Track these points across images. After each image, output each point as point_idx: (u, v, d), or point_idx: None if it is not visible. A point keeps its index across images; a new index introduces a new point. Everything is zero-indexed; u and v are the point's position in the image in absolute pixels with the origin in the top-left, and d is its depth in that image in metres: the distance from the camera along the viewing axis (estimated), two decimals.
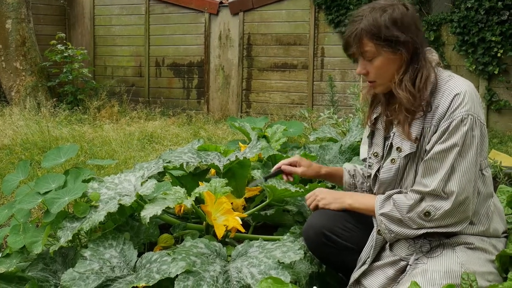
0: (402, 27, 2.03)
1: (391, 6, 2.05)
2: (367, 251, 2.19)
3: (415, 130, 2.06)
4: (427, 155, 2.03)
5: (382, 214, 2.11)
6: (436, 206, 2.01)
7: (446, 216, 2.01)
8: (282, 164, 2.62)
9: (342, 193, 2.37)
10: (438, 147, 2.00)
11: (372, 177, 2.28)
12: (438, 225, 2.03)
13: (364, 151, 2.43)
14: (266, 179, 2.72)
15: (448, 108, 1.99)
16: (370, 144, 2.30)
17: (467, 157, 1.98)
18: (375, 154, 2.25)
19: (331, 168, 2.64)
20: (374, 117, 2.29)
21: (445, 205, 1.99)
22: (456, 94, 1.99)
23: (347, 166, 2.58)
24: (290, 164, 2.60)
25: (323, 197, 2.35)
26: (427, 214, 2.02)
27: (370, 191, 2.40)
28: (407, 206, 2.05)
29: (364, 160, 2.44)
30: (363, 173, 2.52)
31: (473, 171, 2.00)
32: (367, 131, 2.37)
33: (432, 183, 2.01)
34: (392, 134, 2.15)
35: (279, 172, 2.63)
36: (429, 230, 2.05)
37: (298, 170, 2.58)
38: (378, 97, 2.26)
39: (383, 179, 2.19)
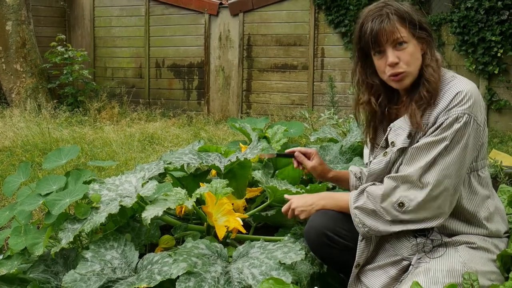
0: (422, 15, 2.09)
1: (400, 1, 2.10)
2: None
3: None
4: (415, 143, 2.04)
5: (356, 208, 2.13)
6: (410, 197, 2.02)
7: (419, 209, 2.02)
8: (298, 150, 2.64)
9: (315, 196, 2.36)
10: (427, 139, 2.02)
11: None
12: (412, 218, 2.04)
13: (367, 153, 2.43)
14: (277, 155, 2.85)
15: (448, 104, 2.00)
16: (372, 149, 2.30)
17: (452, 153, 1.99)
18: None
19: (338, 171, 2.65)
20: (373, 128, 2.28)
21: (419, 196, 2.00)
22: (458, 92, 2.00)
23: (353, 169, 2.58)
24: (305, 154, 2.62)
25: (300, 209, 2.34)
26: (401, 205, 2.03)
27: None
28: (380, 196, 2.07)
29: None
30: None
31: (454, 168, 2.00)
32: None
33: (410, 169, 2.03)
34: (388, 129, 2.16)
35: (292, 156, 2.65)
36: (404, 227, 2.06)
37: (309, 163, 2.59)
38: (375, 110, 2.25)
39: (372, 170, 2.20)
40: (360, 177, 2.53)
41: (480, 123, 2.03)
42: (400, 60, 2.05)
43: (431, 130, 2.02)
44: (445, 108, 2.01)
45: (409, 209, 2.03)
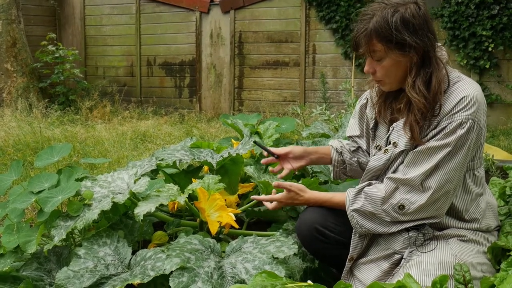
0: (414, 30, 1.97)
1: (403, 5, 1.99)
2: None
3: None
4: (417, 147, 2.04)
5: (354, 210, 2.13)
6: (411, 200, 2.03)
7: (419, 211, 2.04)
8: (273, 159, 2.56)
9: (308, 201, 2.34)
10: (431, 143, 2.01)
11: None
12: (411, 219, 2.06)
13: (353, 125, 2.45)
14: (265, 149, 2.59)
15: (452, 109, 1.99)
16: (373, 137, 2.29)
17: (454, 158, 2.00)
18: (378, 147, 2.24)
19: (317, 149, 2.54)
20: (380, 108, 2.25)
21: (420, 199, 2.02)
22: (463, 97, 1.98)
23: (334, 143, 2.54)
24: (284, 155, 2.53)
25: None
26: (401, 207, 2.04)
27: (359, 165, 2.45)
28: (381, 199, 2.08)
29: (350, 137, 2.47)
30: (349, 148, 2.50)
31: (456, 173, 2.01)
32: (360, 103, 2.39)
33: (412, 173, 2.03)
34: (391, 129, 2.15)
35: (276, 158, 2.56)
36: (401, 226, 2.08)
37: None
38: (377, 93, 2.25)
39: (371, 166, 2.20)
40: (341, 152, 2.50)
41: (482, 126, 2.03)
42: (376, 71, 2.06)
43: (433, 132, 2.02)
44: (449, 112, 1.99)
45: (409, 212, 2.04)
